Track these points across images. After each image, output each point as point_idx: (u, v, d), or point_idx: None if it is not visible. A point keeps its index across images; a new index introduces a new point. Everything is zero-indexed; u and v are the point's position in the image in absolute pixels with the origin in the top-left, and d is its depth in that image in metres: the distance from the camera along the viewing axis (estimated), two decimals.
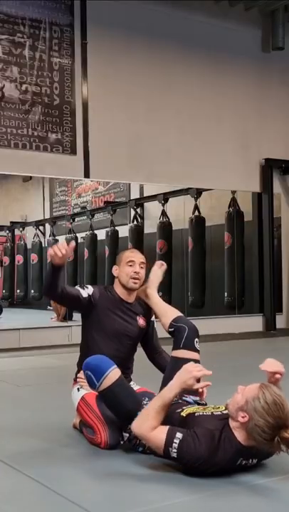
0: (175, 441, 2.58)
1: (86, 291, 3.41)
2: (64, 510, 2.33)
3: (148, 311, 3.60)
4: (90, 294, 3.41)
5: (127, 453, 3.03)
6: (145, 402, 3.06)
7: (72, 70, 8.51)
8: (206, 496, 2.44)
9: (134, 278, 3.44)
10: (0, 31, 8.01)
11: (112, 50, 8.89)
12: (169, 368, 3.24)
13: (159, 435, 2.64)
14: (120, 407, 3.01)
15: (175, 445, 2.58)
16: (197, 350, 3.26)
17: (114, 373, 3.00)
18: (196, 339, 3.29)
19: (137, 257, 3.50)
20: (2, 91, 8.00)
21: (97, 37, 8.70)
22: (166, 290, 11.29)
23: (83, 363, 3.10)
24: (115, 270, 3.52)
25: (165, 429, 2.65)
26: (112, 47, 8.89)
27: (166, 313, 3.46)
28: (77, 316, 11.38)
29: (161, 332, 3.56)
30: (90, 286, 3.47)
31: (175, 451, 2.58)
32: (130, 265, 3.45)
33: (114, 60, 8.90)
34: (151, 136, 9.20)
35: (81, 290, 3.41)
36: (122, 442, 3.10)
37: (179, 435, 2.60)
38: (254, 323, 10.10)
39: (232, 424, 2.62)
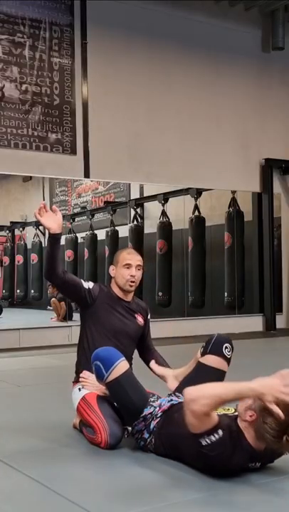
0: (215, 435, 2.50)
1: (87, 283, 3.46)
2: (64, 510, 2.33)
3: (145, 310, 3.63)
4: (90, 287, 3.45)
5: (127, 453, 3.03)
6: (152, 399, 3.06)
7: (72, 70, 8.51)
8: (206, 496, 2.44)
9: (131, 281, 3.46)
10: (0, 31, 8.01)
11: (112, 50, 8.89)
12: (191, 375, 3.17)
13: (207, 421, 2.50)
14: (126, 399, 3.01)
15: (213, 438, 2.49)
16: (227, 359, 3.11)
17: (122, 365, 3.01)
18: (226, 344, 3.11)
19: (134, 259, 3.49)
20: (2, 91, 8.00)
21: (97, 37, 8.70)
22: (166, 290, 11.31)
23: (92, 354, 3.08)
24: (112, 270, 3.54)
25: (215, 419, 2.52)
26: (112, 47, 8.89)
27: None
28: (77, 316, 11.37)
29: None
30: (90, 282, 3.52)
31: (209, 442, 2.50)
32: (127, 268, 3.46)
33: (114, 60, 8.90)
34: (151, 136, 9.20)
35: (82, 281, 3.46)
36: (126, 436, 3.10)
37: (220, 432, 2.51)
38: (254, 323, 10.10)
39: (241, 424, 2.59)
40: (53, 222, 3.25)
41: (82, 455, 3.06)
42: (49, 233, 3.30)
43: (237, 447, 2.54)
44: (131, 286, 3.47)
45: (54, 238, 3.28)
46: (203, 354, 3.16)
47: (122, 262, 3.48)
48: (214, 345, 3.12)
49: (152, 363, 3.44)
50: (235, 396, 2.49)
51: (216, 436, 2.50)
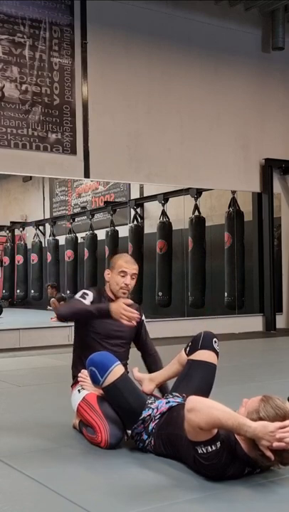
0: (212, 446, 2.47)
1: (88, 299, 3.46)
2: (64, 510, 2.33)
3: (138, 310, 3.63)
4: (91, 301, 3.46)
5: (127, 453, 3.03)
6: (150, 402, 3.06)
7: (72, 70, 8.51)
8: (206, 496, 2.44)
9: (124, 289, 3.50)
10: (0, 31, 8.01)
11: (112, 50, 8.89)
12: (184, 373, 3.18)
13: (202, 433, 2.46)
14: (124, 403, 3.02)
15: (209, 448, 2.48)
16: (216, 352, 3.16)
17: (118, 369, 3.02)
18: (215, 339, 3.18)
19: (131, 268, 3.52)
20: (2, 91, 8.00)
21: (97, 37, 8.70)
22: (166, 290, 11.31)
23: (87, 360, 3.10)
24: (107, 275, 3.57)
25: (213, 431, 2.47)
26: (112, 47, 8.89)
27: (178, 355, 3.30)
28: None
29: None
30: (89, 293, 3.50)
31: (205, 451, 2.48)
32: (122, 276, 3.49)
33: (114, 60, 8.90)
34: (151, 136, 9.21)
35: (85, 301, 3.44)
36: (125, 439, 3.11)
37: (218, 444, 2.48)
38: (254, 323, 10.10)
39: (237, 436, 2.55)
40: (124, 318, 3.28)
41: (82, 455, 3.06)
42: (108, 310, 3.26)
43: (233, 459, 2.52)
44: (124, 293, 3.51)
45: (106, 316, 3.28)
46: (192, 352, 3.17)
47: (118, 269, 3.50)
48: (204, 340, 3.16)
49: (134, 369, 3.46)
50: (234, 427, 2.43)
51: (213, 447, 2.48)
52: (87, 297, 3.46)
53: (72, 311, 3.39)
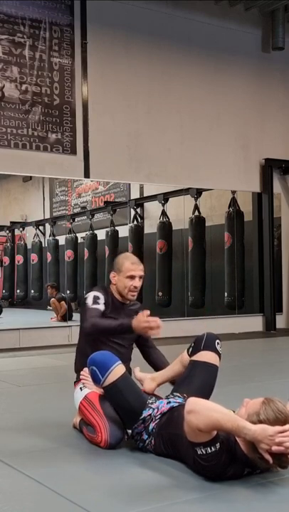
0: (211, 447, 2.47)
1: (100, 303, 3.44)
2: (64, 510, 2.33)
3: (140, 309, 3.63)
4: (103, 302, 3.45)
5: (127, 453, 3.03)
6: (150, 401, 3.06)
7: (72, 70, 8.51)
8: (206, 496, 2.44)
9: (133, 291, 3.49)
10: (0, 31, 8.01)
11: (112, 50, 8.89)
12: (185, 374, 3.18)
13: (201, 435, 2.47)
14: (124, 402, 3.02)
15: (209, 450, 2.48)
16: (218, 353, 3.16)
17: (119, 369, 3.02)
18: (218, 340, 3.18)
19: (138, 269, 3.50)
20: (2, 91, 8.00)
21: (97, 37, 8.70)
22: (166, 290, 11.31)
23: (88, 359, 3.10)
24: (113, 277, 3.53)
25: (213, 433, 2.47)
26: (112, 47, 8.89)
27: (180, 355, 3.29)
28: (77, 316, 11.38)
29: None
30: (100, 296, 3.47)
31: (204, 452, 2.48)
32: (130, 279, 3.48)
33: (114, 60, 8.90)
34: (151, 136, 9.21)
35: (100, 307, 3.43)
36: (125, 439, 3.11)
37: (217, 446, 2.48)
38: (254, 323, 10.10)
39: (237, 437, 2.55)
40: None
41: (82, 455, 3.06)
42: (130, 327, 3.26)
43: (233, 460, 2.52)
44: (133, 296, 3.51)
45: (129, 332, 3.29)
46: (194, 352, 3.16)
47: (125, 273, 3.47)
48: (207, 341, 3.16)
49: (136, 370, 3.45)
50: (233, 429, 2.43)
51: (212, 448, 2.47)
52: (99, 301, 3.43)
53: (97, 330, 3.34)
